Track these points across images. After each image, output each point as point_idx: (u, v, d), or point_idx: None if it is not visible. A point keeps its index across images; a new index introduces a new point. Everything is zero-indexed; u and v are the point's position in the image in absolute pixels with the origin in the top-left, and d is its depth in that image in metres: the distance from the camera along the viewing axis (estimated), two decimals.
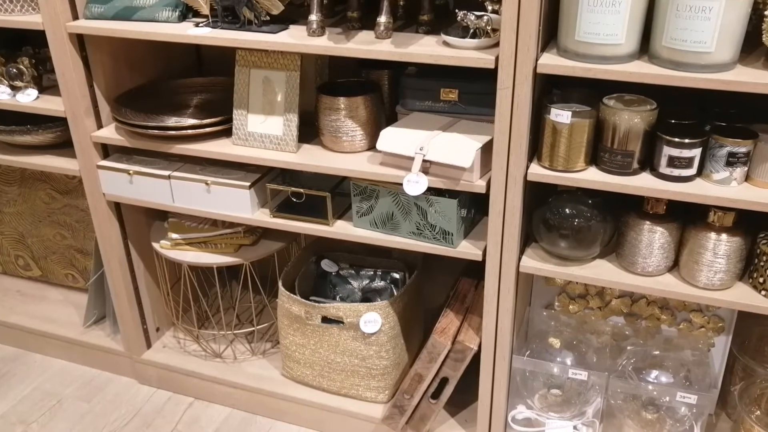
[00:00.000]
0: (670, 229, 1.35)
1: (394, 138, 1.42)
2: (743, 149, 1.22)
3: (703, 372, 1.59)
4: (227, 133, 1.60)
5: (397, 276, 1.91)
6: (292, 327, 1.79)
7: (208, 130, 1.58)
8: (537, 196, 1.43)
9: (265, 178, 1.64)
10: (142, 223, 1.91)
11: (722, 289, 1.34)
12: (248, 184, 1.59)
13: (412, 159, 1.39)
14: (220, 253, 1.81)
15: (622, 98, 1.30)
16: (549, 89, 1.37)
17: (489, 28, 1.29)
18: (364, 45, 1.33)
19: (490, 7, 1.34)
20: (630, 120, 1.25)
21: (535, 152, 1.36)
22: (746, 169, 1.25)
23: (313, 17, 1.38)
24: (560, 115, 1.27)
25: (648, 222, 1.35)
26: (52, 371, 2.12)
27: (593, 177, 1.30)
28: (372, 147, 1.52)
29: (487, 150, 1.36)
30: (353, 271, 1.94)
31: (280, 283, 1.78)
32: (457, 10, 1.32)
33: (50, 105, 1.69)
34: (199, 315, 2.11)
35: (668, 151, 1.24)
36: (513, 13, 1.19)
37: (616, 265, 1.43)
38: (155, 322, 2.05)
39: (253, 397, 1.91)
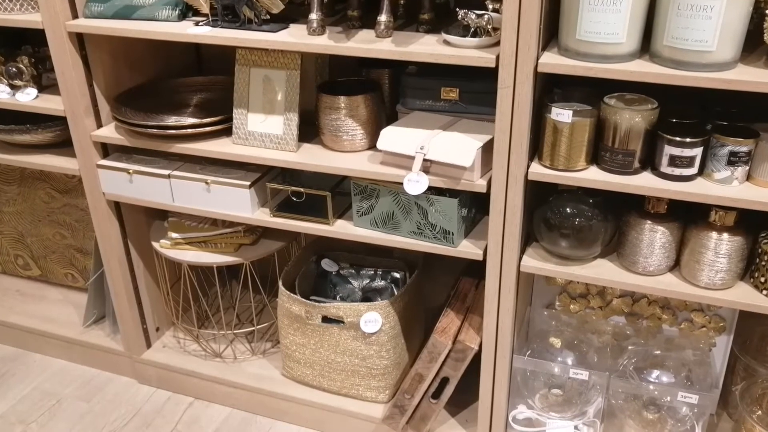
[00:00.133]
0: (672, 228, 1.34)
1: (394, 137, 1.42)
2: (745, 148, 1.22)
3: (704, 372, 1.59)
4: (227, 132, 1.59)
5: (397, 275, 1.91)
6: (292, 327, 1.79)
7: (208, 129, 1.58)
8: (538, 195, 1.43)
9: (265, 177, 1.63)
10: (141, 222, 1.91)
11: (723, 288, 1.34)
12: (248, 183, 1.59)
13: (412, 158, 1.39)
14: (220, 252, 1.81)
15: (623, 97, 1.30)
16: (550, 88, 1.37)
17: (490, 26, 1.29)
18: (365, 44, 1.33)
19: (490, 6, 1.34)
20: (631, 119, 1.25)
21: (535, 151, 1.36)
22: (748, 168, 1.24)
23: (314, 16, 1.38)
24: (561, 114, 1.27)
25: (649, 221, 1.34)
26: (52, 371, 2.12)
27: (594, 176, 1.30)
28: (372, 146, 1.51)
29: (487, 149, 1.36)
30: (353, 271, 1.94)
31: (280, 283, 1.78)
32: (457, 9, 1.32)
33: (50, 104, 1.69)
34: (199, 315, 2.11)
35: (669, 150, 1.24)
36: (514, 11, 1.18)
37: (617, 264, 1.43)
38: (155, 322, 2.05)
39: (253, 397, 1.91)
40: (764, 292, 1.32)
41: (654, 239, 1.34)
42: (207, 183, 1.62)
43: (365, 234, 1.54)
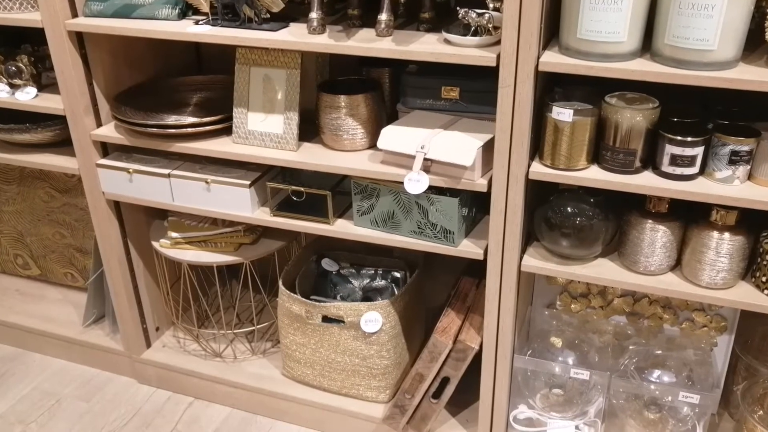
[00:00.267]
0: (673, 227, 1.34)
1: (395, 136, 1.42)
2: (746, 147, 1.22)
3: (705, 371, 1.59)
4: (227, 131, 1.59)
5: (398, 275, 1.91)
6: (292, 326, 1.78)
7: (208, 128, 1.58)
8: (538, 194, 1.43)
9: (265, 176, 1.63)
10: (141, 221, 1.91)
11: (725, 288, 1.34)
12: (248, 182, 1.59)
13: (413, 157, 1.39)
14: (220, 252, 1.81)
15: (624, 96, 1.29)
16: (550, 87, 1.37)
17: (490, 25, 1.29)
18: (365, 43, 1.33)
19: (491, 5, 1.34)
20: (632, 118, 1.25)
21: (536, 151, 1.36)
22: (749, 167, 1.24)
23: (314, 15, 1.37)
24: (562, 114, 1.26)
25: (650, 221, 1.34)
26: (51, 371, 2.12)
27: (595, 175, 1.30)
28: (373, 145, 1.51)
29: (488, 148, 1.35)
30: (354, 270, 1.94)
31: (280, 282, 1.78)
32: (458, 8, 1.31)
33: (49, 103, 1.69)
34: (198, 314, 2.11)
35: (670, 149, 1.24)
36: (514, 10, 1.18)
37: (618, 264, 1.42)
38: (155, 322, 2.04)
39: (253, 396, 1.90)
40: (766, 291, 1.32)
41: (655, 239, 1.34)
42: (207, 182, 1.61)
43: (366, 233, 1.54)
